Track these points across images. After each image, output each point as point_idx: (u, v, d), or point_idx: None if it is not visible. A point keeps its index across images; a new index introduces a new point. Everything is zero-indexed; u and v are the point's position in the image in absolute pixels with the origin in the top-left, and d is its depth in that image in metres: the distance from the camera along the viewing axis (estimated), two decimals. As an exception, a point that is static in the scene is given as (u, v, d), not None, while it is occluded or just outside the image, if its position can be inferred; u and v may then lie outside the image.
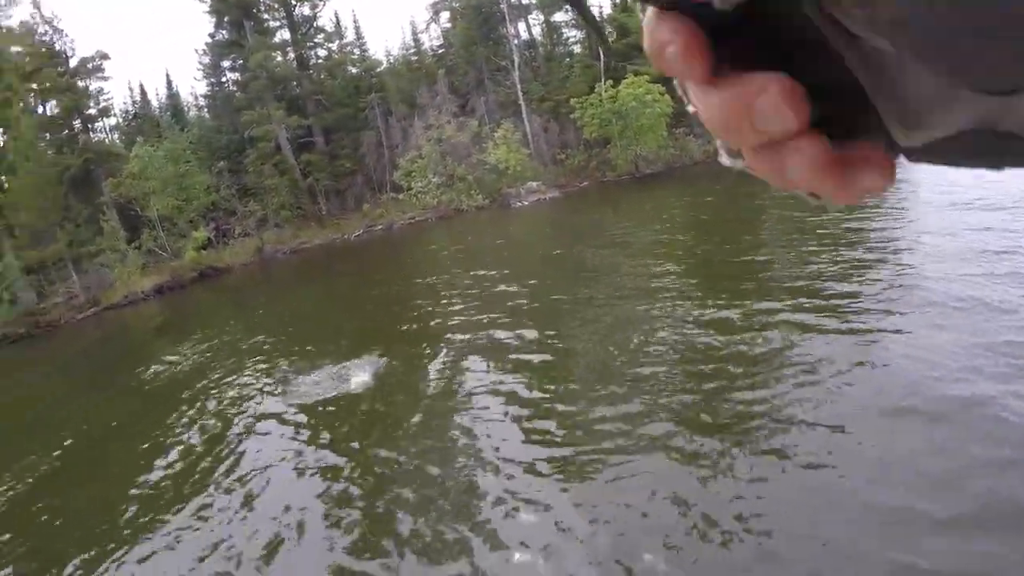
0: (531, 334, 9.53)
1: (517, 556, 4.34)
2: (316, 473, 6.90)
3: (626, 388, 6.74)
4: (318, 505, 6.07)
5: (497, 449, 6.14)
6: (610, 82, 30.75)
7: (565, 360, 8.36)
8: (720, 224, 16.57)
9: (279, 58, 37.09)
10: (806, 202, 0.27)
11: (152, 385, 13.54)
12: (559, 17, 38.30)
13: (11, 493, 8.81)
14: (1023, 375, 5.07)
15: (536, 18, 38.53)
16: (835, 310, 7.53)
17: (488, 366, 8.69)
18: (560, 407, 6.76)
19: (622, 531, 4.36)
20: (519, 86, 33.71)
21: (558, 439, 6.09)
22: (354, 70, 37.67)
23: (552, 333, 9.48)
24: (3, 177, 37.76)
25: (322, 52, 38.48)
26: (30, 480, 9.14)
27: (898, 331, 6.51)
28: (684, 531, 4.16)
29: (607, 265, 13.13)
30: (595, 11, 33.98)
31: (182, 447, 8.91)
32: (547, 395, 7.29)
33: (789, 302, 8.14)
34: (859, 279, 8.55)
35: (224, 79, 38.77)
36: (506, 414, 6.96)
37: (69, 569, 6.12)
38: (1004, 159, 0.22)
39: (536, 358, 8.58)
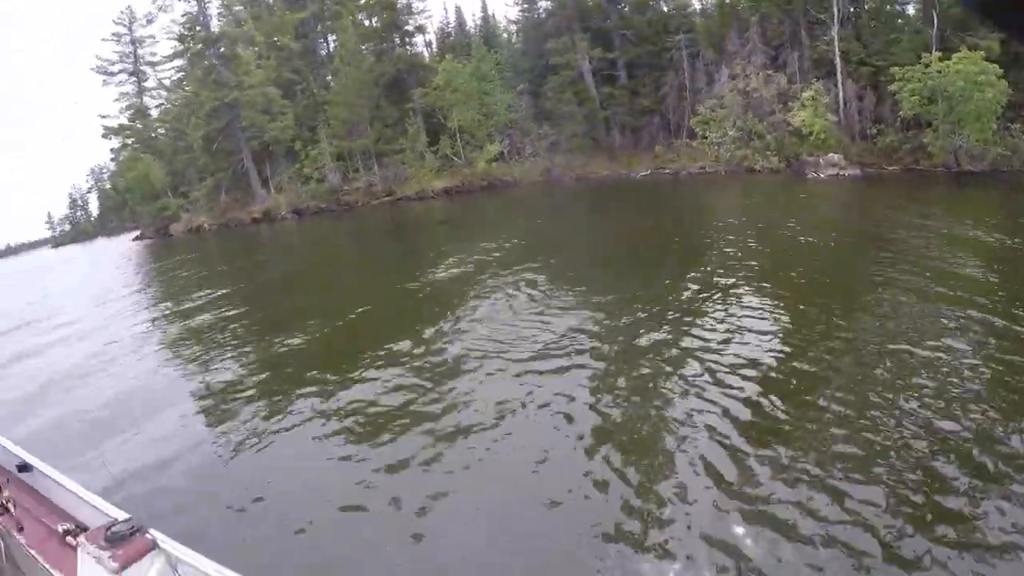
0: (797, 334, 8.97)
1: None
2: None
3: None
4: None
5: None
6: (939, 54, 28.72)
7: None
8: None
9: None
10: None
11: (422, 261, 18.27)
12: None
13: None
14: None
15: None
16: None
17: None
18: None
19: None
20: (837, 44, 32.60)
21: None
22: (665, 8, 38.29)
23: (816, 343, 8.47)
24: (330, 77, 44.62)
25: (634, -14, 39.24)
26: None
27: None
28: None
29: (891, 297, 10.32)
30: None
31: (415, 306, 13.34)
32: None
33: None
34: None
35: (538, 6, 41.16)
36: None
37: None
38: None
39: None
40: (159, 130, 51.61)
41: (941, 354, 7.66)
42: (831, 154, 30.80)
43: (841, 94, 32.12)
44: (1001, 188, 25.72)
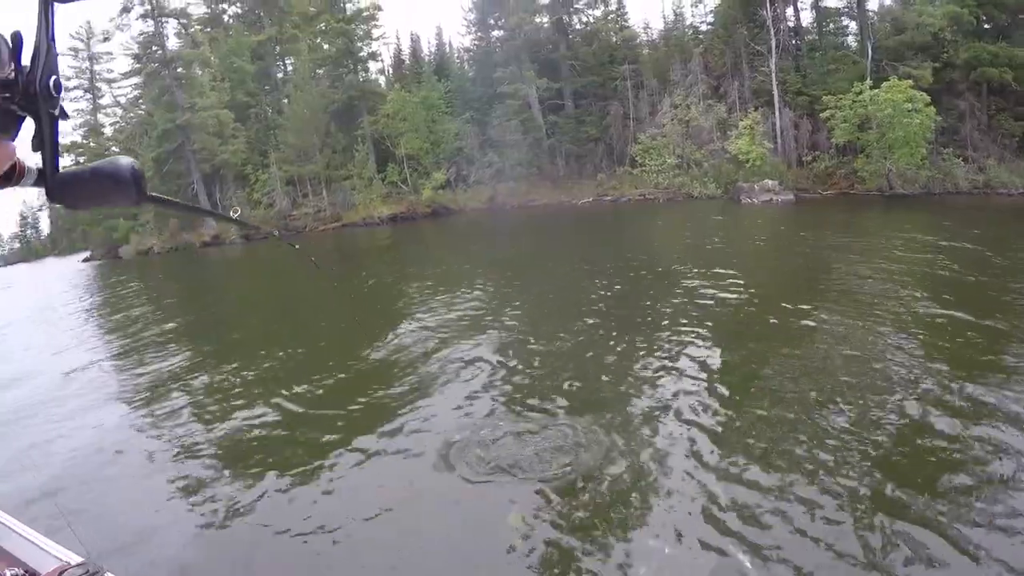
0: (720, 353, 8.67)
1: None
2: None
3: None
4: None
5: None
6: (870, 82, 28.82)
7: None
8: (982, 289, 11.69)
9: (537, 20, 39.18)
10: None
11: (360, 284, 17.70)
12: (832, 2, 35.96)
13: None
14: None
15: (806, 1, 36.47)
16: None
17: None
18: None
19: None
20: (774, 74, 32.79)
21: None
22: (613, 38, 38.76)
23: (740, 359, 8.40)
24: (286, 100, 44.61)
25: (583, 18, 39.87)
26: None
27: None
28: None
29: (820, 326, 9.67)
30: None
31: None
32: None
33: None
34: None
35: (493, 36, 41.60)
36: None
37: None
38: None
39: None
40: (112, 149, 51.00)
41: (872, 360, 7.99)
42: (766, 180, 30.52)
43: (778, 122, 32.14)
44: (930, 208, 25.34)
